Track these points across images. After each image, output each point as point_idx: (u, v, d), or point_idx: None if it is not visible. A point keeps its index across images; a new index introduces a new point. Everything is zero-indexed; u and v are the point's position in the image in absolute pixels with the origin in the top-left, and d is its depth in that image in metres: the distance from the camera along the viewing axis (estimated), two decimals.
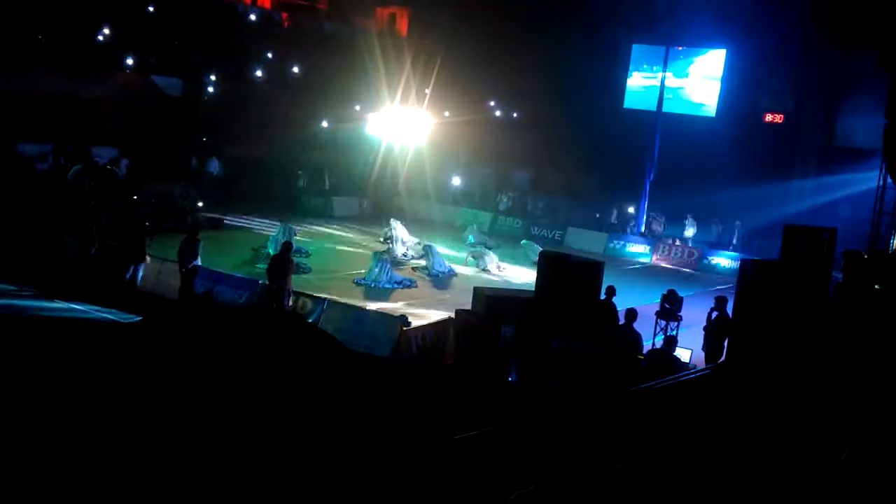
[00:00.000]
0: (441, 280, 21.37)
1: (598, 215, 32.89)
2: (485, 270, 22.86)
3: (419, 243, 24.34)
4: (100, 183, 23.29)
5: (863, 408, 8.03)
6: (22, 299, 14.53)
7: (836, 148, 30.33)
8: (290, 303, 15.53)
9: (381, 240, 24.52)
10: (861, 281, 12.74)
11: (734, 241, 29.33)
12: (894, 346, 10.20)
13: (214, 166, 29.70)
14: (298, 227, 24.33)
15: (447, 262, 22.33)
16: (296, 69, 31.43)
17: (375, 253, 20.92)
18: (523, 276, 22.21)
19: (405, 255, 23.17)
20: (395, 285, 19.69)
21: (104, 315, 13.81)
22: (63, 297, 15.01)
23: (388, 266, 20.37)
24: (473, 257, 23.65)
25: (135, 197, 21.98)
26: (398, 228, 23.99)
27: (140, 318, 12.05)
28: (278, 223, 23.20)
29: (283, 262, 15.70)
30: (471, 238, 26.93)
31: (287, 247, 16.45)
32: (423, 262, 22.32)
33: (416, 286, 20.09)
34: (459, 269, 22.63)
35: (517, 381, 12.71)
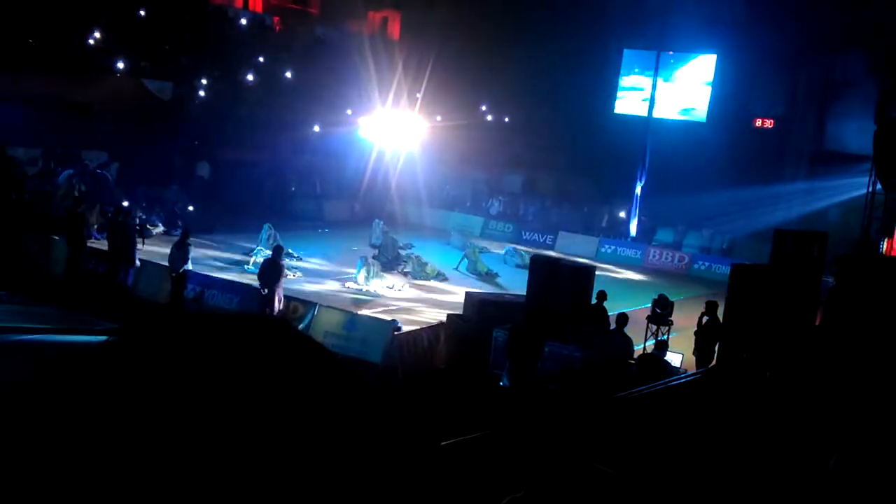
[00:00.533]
0: (433, 284, 21.34)
1: (588, 220, 32.94)
2: (477, 273, 22.84)
3: (408, 246, 24.25)
4: (90, 187, 23.20)
5: (853, 412, 8.04)
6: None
7: (826, 152, 30.41)
8: (281, 307, 15.47)
9: (371, 244, 24.46)
10: (853, 285, 12.78)
11: (724, 246, 29.40)
12: (886, 349, 10.23)
13: (205, 170, 29.59)
14: (289, 231, 24.21)
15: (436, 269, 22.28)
16: (287, 73, 31.31)
17: (363, 258, 20.85)
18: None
19: (395, 260, 23.08)
20: (387, 290, 19.64)
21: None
22: (52, 301, 14.92)
23: (379, 270, 20.32)
24: (467, 258, 23.67)
25: (125, 202, 21.89)
26: (385, 233, 23.89)
27: (115, 327, 11.92)
28: (264, 231, 22.79)
29: (275, 265, 15.66)
30: (458, 247, 26.76)
31: (278, 250, 16.42)
32: (410, 268, 22.23)
33: (408, 291, 20.05)
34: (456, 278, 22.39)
35: (508, 386, 12.70)
